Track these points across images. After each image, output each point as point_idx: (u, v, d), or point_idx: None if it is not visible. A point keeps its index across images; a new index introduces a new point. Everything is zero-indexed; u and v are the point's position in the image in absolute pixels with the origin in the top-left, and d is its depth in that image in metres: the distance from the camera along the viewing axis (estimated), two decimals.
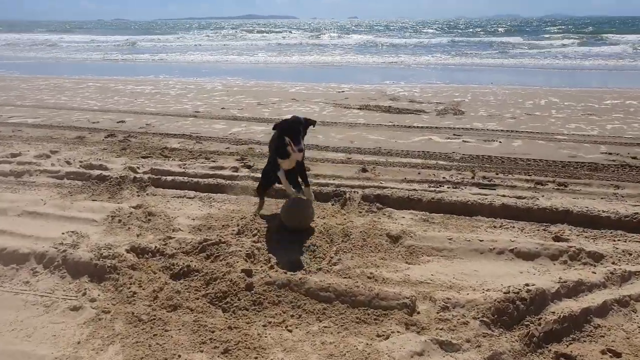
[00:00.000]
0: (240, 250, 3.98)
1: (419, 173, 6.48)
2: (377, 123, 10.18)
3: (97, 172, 6.18)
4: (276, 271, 3.73)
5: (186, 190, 5.75)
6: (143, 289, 3.57)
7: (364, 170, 6.61)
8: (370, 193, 5.38)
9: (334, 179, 6.19)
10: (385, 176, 6.37)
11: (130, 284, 3.62)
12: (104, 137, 8.52)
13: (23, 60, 29.22)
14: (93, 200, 5.37)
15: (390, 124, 10.08)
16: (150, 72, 21.59)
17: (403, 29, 68.61)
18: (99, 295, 3.52)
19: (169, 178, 5.99)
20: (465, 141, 8.46)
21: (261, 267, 3.83)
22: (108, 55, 33.14)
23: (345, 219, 4.80)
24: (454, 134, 9.01)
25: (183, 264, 3.82)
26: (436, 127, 9.65)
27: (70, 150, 7.50)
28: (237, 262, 3.84)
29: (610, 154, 7.54)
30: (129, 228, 4.56)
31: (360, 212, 5.08)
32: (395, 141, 8.51)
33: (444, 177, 6.29)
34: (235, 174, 6.32)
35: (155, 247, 4.07)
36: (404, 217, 4.98)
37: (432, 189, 5.81)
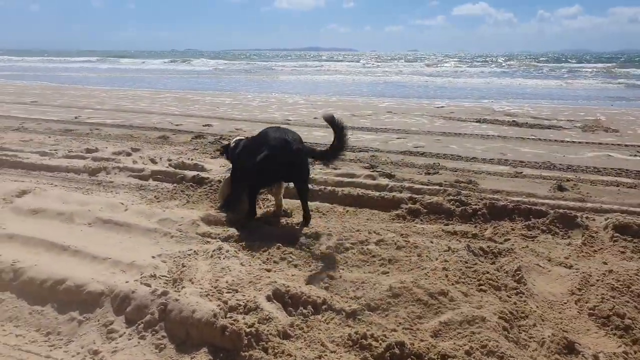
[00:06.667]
0: None
1: None
2: (518, 136, 8.06)
3: (192, 172, 4.55)
4: None
5: (324, 203, 3.95)
6: None
7: (561, 188, 4.53)
8: (630, 221, 3.29)
9: (526, 198, 4.18)
10: (604, 197, 4.26)
11: None
12: (191, 139, 7.02)
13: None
14: (191, 209, 3.69)
15: (534, 137, 7.94)
16: (228, 88, 20.65)
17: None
18: None
19: None
20: None
21: None
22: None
23: (605, 263, 2.77)
24: (638, 152, 6.74)
25: (385, 338, 1.94)
26: (599, 144, 7.40)
27: (154, 149, 6.01)
28: None
29: None
30: (260, 251, 2.79)
31: (623, 253, 3.02)
32: (563, 156, 6.37)
33: None
34: (378, 182, 4.46)
35: (315, 294, 2.23)
36: None
37: None
